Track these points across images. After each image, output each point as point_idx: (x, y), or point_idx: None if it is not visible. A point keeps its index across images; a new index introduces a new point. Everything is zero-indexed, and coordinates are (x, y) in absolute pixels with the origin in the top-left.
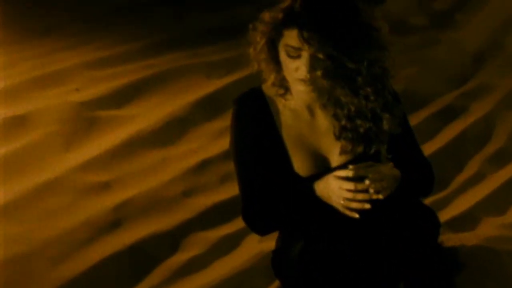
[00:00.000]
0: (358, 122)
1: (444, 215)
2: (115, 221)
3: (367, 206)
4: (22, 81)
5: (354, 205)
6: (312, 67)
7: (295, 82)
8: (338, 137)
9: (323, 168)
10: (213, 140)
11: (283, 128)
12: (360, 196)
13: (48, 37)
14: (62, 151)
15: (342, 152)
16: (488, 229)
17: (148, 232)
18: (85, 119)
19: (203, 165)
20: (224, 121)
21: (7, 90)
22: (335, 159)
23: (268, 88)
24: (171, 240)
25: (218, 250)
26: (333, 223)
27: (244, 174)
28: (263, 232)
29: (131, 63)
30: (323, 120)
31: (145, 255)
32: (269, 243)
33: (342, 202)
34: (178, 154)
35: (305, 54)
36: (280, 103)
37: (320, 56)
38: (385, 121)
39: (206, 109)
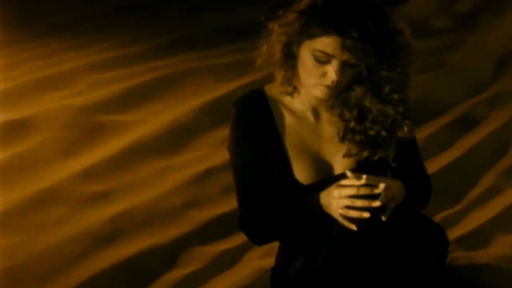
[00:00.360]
0: (368, 124)
1: (455, 232)
2: (111, 233)
3: (366, 215)
4: (23, 84)
5: (353, 213)
6: (342, 74)
7: (316, 87)
8: (342, 139)
9: (324, 175)
10: (218, 148)
11: (285, 131)
12: (359, 202)
13: (51, 37)
14: (61, 159)
15: (347, 155)
16: (501, 247)
17: (146, 246)
18: (87, 125)
19: (206, 175)
20: None
21: (7, 93)
22: (338, 164)
23: (271, 89)
24: (169, 255)
25: (217, 266)
26: (335, 236)
27: (243, 175)
28: (262, 238)
29: (137, 65)
30: (328, 125)
31: (141, 270)
32: (270, 259)
33: (340, 210)
34: (181, 163)
35: (336, 60)
36: (283, 106)
37: (354, 62)
38: (405, 127)
39: (213, 115)
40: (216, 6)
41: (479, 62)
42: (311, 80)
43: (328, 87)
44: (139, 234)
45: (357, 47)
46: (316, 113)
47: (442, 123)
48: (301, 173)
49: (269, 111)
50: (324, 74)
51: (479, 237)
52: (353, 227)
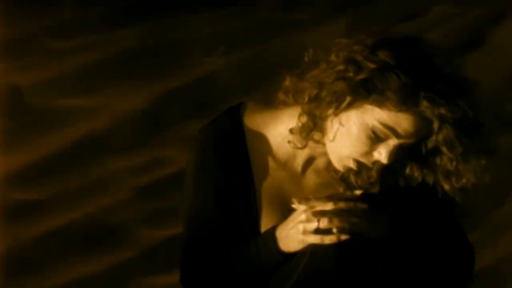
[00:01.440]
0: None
1: None
2: (36, 258)
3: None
4: None
5: (336, 222)
6: (392, 157)
7: (347, 161)
8: None
9: None
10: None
11: (261, 177)
12: (336, 221)
13: None
14: None
15: None
16: None
17: (76, 275)
18: (28, 111)
19: (168, 182)
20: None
21: None
22: None
23: (252, 117)
24: (105, 287)
25: None
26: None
27: (197, 226)
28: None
29: (99, 33)
30: (313, 173)
31: None
32: None
33: (316, 225)
34: (140, 164)
35: (396, 141)
36: (265, 143)
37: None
38: None
39: (188, 102)
40: None
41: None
42: (346, 152)
43: (363, 165)
44: (72, 260)
45: (445, 135)
46: (307, 161)
47: None
48: (270, 226)
49: (244, 149)
50: (369, 152)
51: (492, 275)
52: (344, 237)
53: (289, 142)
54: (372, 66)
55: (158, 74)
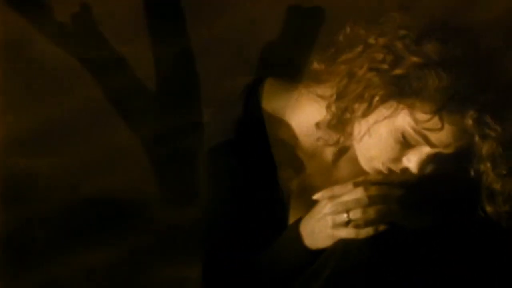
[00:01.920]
0: None
1: None
2: (33, 242)
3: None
4: None
5: (370, 211)
6: (425, 166)
7: (376, 162)
8: None
9: None
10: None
11: (286, 168)
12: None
13: None
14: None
15: None
16: None
17: (84, 261)
18: (35, 63)
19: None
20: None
21: None
22: None
23: (271, 101)
24: (117, 277)
25: None
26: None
27: (217, 227)
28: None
29: None
30: (347, 163)
31: None
32: None
33: (345, 216)
34: (165, 130)
35: (430, 149)
36: (288, 127)
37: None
38: None
39: (232, 52)
40: None
41: None
42: (373, 153)
43: (390, 170)
44: (79, 244)
45: (488, 149)
46: (340, 150)
47: None
48: None
49: (264, 139)
50: (398, 158)
51: None
52: (382, 227)
53: (317, 139)
54: (412, 59)
55: (196, 17)
